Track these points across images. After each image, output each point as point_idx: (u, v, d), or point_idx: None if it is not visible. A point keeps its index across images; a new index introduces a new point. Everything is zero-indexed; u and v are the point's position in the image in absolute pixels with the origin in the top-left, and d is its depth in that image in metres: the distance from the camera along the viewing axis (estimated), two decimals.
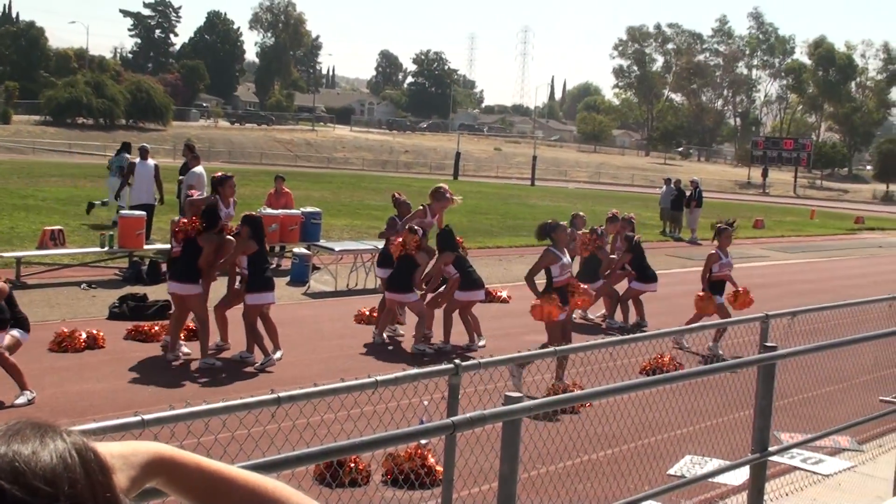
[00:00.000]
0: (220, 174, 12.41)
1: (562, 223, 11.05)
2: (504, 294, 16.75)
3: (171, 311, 13.37)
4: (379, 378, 4.28)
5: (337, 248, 17.46)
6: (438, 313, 12.81)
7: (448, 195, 13.14)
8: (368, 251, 17.34)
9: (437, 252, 12.56)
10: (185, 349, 11.19)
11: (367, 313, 13.92)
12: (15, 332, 9.13)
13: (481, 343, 12.69)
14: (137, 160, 19.69)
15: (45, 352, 10.74)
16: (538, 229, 11.03)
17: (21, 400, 8.86)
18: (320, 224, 19.07)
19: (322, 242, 18.51)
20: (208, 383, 10.17)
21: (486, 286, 16.73)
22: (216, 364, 10.79)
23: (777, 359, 6.09)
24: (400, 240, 12.40)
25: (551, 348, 6.82)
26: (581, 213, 15.54)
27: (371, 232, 25.08)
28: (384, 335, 12.73)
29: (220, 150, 74.25)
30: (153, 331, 12.00)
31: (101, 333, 11.51)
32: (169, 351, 11.03)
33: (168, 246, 17.16)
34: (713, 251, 13.29)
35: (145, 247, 17.33)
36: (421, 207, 13.10)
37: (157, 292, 14.62)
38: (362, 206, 34.84)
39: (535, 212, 38.35)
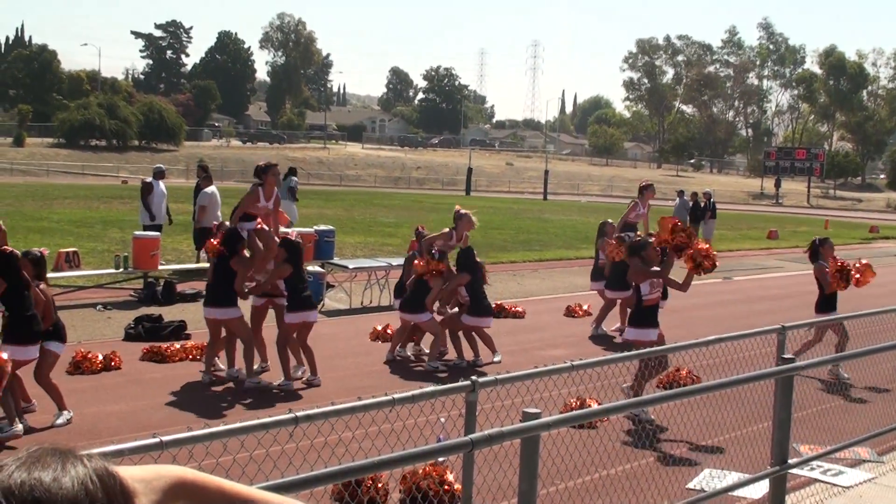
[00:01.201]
0: (264, 162, 12.32)
1: (651, 241, 10.61)
2: (519, 308, 16.71)
3: (186, 332, 13.44)
4: (396, 396, 4.27)
5: (351, 266, 17.47)
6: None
7: (472, 218, 13.14)
8: (382, 268, 17.34)
9: (455, 271, 12.61)
10: (221, 366, 11.22)
11: (383, 330, 13.92)
12: (52, 346, 9.10)
13: (497, 359, 12.66)
14: (150, 180, 19.71)
15: (62, 374, 10.76)
16: (628, 249, 10.88)
17: (61, 420, 8.91)
18: (334, 242, 19.08)
19: (336, 260, 18.52)
20: (226, 404, 10.16)
21: (501, 301, 16.80)
22: (262, 383, 10.78)
23: (795, 371, 6.05)
24: (423, 262, 12.43)
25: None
26: (610, 221, 15.87)
27: (384, 249, 25.11)
28: (407, 352, 12.76)
29: (232, 170, 74.52)
30: (169, 351, 12.01)
31: (118, 355, 11.52)
32: (205, 372, 11.00)
33: (191, 266, 17.22)
34: (821, 265, 12.71)
35: (160, 267, 17.38)
36: (447, 230, 13.11)
37: (173, 312, 14.66)
38: (375, 223, 34.87)
39: (547, 226, 38.31)
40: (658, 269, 10.10)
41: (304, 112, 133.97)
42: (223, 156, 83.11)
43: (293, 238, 11.35)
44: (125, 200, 38.42)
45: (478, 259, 12.70)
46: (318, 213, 34.57)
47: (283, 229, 12.12)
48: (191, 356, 12.05)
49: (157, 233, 18.17)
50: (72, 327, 13.77)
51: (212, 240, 11.31)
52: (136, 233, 17.99)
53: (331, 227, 19.58)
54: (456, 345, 12.47)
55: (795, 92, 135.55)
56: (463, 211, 13.15)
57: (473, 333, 12.56)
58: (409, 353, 12.85)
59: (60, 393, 9.04)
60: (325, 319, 15.66)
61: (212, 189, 19.43)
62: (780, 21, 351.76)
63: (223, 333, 11.10)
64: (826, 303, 12.58)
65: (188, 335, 13.35)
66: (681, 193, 32.62)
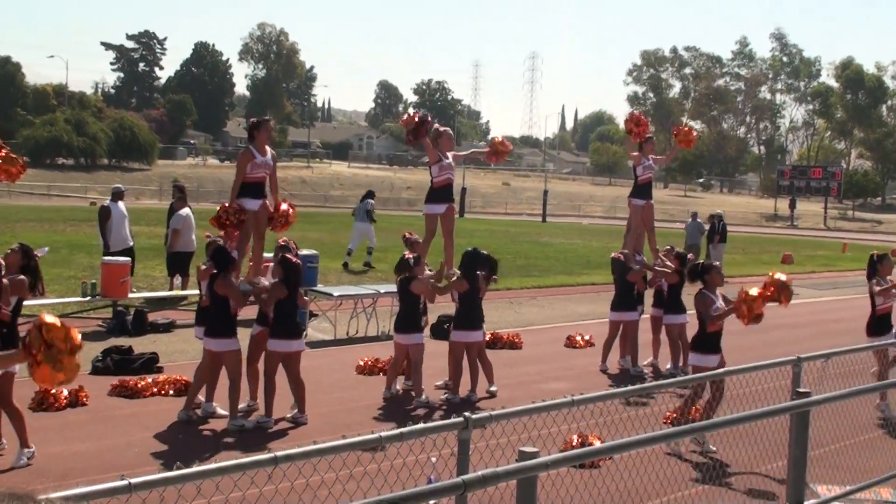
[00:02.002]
0: (256, 118, 12.42)
1: (715, 264, 11.13)
2: (516, 339, 16.68)
3: (158, 365, 13.39)
4: (383, 434, 4.26)
5: (336, 294, 17.45)
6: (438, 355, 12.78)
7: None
8: (369, 296, 17.32)
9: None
10: (221, 411, 11.06)
11: (370, 363, 13.89)
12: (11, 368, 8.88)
13: (492, 388, 12.66)
14: (108, 202, 19.57)
15: (25, 411, 10.71)
16: (689, 271, 11.20)
17: (22, 460, 8.85)
18: (317, 268, 19.03)
19: (319, 287, 18.49)
20: (201, 444, 10.12)
21: (497, 331, 16.79)
22: (246, 425, 10.67)
23: (811, 405, 6.05)
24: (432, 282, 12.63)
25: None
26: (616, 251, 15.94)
27: (372, 275, 25.10)
28: (398, 386, 12.72)
29: (209, 190, 74.44)
30: (140, 386, 11.97)
31: (85, 390, 11.47)
32: (184, 408, 10.89)
33: (164, 294, 17.26)
34: (877, 282, 12.73)
35: (130, 295, 17.33)
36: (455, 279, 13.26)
37: (144, 344, 14.61)
38: (362, 247, 34.85)
39: (547, 250, 38.34)
40: (719, 312, 10.49)
41: (286, 128, 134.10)
42: (199, 175, 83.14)
43: (293, 256, 11.31)
44: (93, 223, 38.31)
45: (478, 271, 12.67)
46: (300, 237, 34.45)
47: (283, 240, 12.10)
48: (163, 391, 12.00)
49: (128, 258, 18.13)
50: None
51: (200, 265, 11.35)
52: (105, 258, 17.94)
53: (314, 252, 19.55)
54: (456, 376, 12.42)
55: (811, 107, 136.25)
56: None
57: (478, 361, 12.57)
58: (399, 388, 12.81)
59: (25, 424, 8.98)
60: (308, 351, 15.56)
61: (186, 211, 19.43)
62: (794, 31, 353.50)
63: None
64: (878, 325, 12.61)
65: (160, 368, 13.30)
66: (694, 215, 32.65)
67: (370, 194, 28.21)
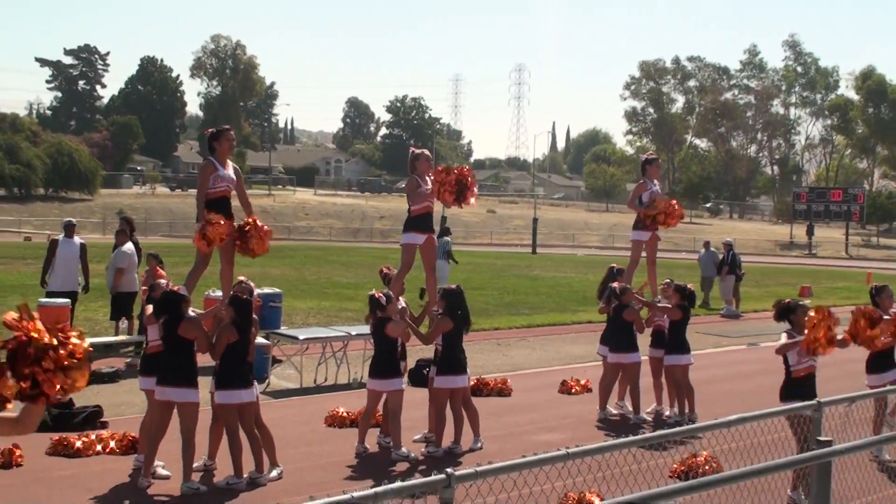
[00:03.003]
0: (214, 128, 12.39)
1: (801, 303, 11.24)
2: (504, 385, 16.65)
3: (102, 419, 13.30)
4: (356, 494, 4.25)
5: (301, 337, 17.41)
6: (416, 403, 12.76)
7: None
8: (340, 338, 17.28)
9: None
10: (162, 472, 10.92)
11: (341, 414, 13.84)
12: None
13: (478, 445, 12.62)
14: (61, 237, 19.52)
15: None
16: (777, 310, 11.28)
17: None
18: (280, 308, 19.04)
19: (283, 330, 18.47)
20: None
21: (484, 377, 16.77)
22: (202, 489, 10.59)
23: (834, 455, 6.07)
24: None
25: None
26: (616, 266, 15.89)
27: (342, 315, 25.06)
28: (369, 445, 12.65)
29: (158, 222, 74.47)
30: (82, 444, 11.87)
31: (19, 448, 11.38)
32: (143, 476, 10.77)
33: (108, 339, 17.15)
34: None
35: None
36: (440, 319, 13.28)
37: (86, 396, 14.51)
38: (331, 283, 34.85)
39: (537, 285, 38.39)
40: (793, 339, 10.75)
41: (244, 152, 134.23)
42: (148, 205, 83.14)
43: (246, 294, 11.25)
44: (28, 261, 38.23)
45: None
46: (261, 273, 34.43)
47: (240, 279, 12.00)
48: (108, 449, 11.92)
49: (67, 300, 18.06)
50: None
51: (149, 306, 11.28)
52: (42, 300, 17.88)
53: (277, 290, 19.56)
54: (439, 428, 12.39)
55: (828, 122, 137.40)
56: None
57: (463, 411, 12.55)
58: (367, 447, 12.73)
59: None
60: (271, 401, 15.57)
61: (129, 247, 19.30)
62: (809, 39, 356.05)
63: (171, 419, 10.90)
64: (877, 362, 12.75)
65: (105, 423, 13.22)
66: (707, 245, 32.84)
67: (447, 231, 28.40)
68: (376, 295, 12.35)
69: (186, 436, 10.54)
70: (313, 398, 15.89)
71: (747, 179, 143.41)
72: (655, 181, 15.75)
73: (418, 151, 13.36)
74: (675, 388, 14.75)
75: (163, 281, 11.65)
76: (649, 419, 14.83)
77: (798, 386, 10.78)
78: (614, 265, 16.09)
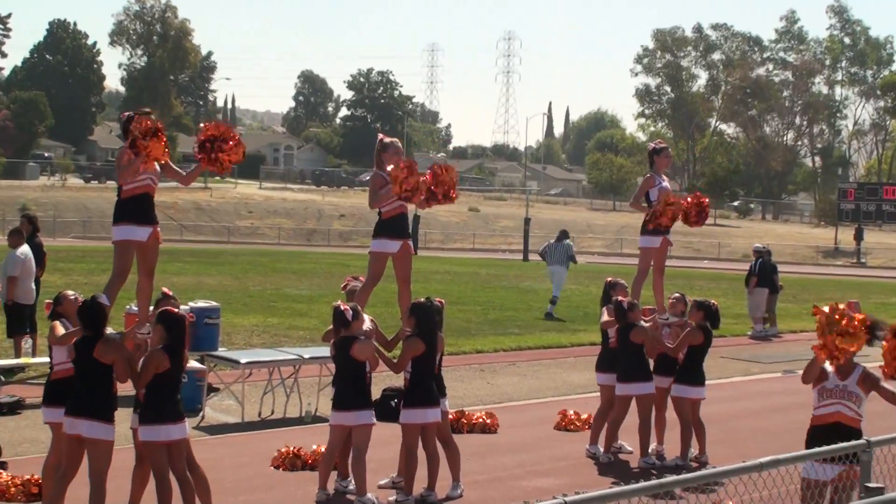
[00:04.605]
0: (131, 111, 12.38)
1: (880, 320, 11.11)
2: (489, 420, 16.65)
3: (0, 458, 13.27)
4: None
5: (243, 360, 17.38)
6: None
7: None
8: (290, 363, 17.25)
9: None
10: None
11: (291, 453, 13.81)
12: None
13: (457, 492, 12.63)
14: None
15: None
16: (871, 332, 11.07)
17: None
18: (218, 325, 18.97)
19: (221, 351, 18.42)
20: None
21: (465, 409, 16.77)
22: None
23: None
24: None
25: None
26: (621, 281, 15.72)
27: (293, 335, 25.04)
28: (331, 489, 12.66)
29: (70, 220, 74.23)
30: None
31: None
32: None
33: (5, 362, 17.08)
34: None
35: None
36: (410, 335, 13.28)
37: None
38: (279, 296, 34.74)
39: (529, 299, 38.37)
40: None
41: (174, 136, 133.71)
42: (56, 200, 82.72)
43: (177, 311, 11.21)
44: None
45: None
46: (195, 283, 34.19)
47: (164, 291, 11.97)
48: (8, 496, 11.89)
49: None
50: None
51: (56, 322, 11.23)
52: None
53: (214, 304, 19.51)
54: (409, 471, 12.40)
55: (881, 103, 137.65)
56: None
57: (442, 450, 12.57)
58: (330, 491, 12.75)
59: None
60: (206, 438, 15.56)
61: (23, 250, 19.19)
62: (858, 4, 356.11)
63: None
64: None
65: (4, 464, 13.20)
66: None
67: (566, 234, 32.45)
68: (342, 307, 12.29)
69: (96, 481, 10.49)
70: (257, 434, 15.89)
71: (783, 173, 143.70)
72: (664, 176, 15.65)
73: (388, 140, 13.35)
74: (683, 426, 14.64)
75: (70, 292, 11.60)
76: (655, 461, 14.74)
77: (815, 439, 10.39)
78: (610, 278, 15.86)
